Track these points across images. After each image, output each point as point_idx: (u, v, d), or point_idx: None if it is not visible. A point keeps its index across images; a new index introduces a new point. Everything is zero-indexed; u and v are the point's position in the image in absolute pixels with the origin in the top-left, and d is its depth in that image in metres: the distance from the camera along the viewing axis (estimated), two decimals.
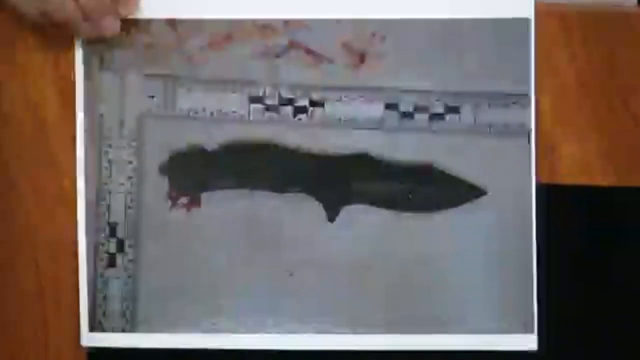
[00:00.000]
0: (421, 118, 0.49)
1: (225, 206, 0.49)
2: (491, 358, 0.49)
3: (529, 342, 0.49)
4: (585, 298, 0.50)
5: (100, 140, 0.49)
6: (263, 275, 0.49)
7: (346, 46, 0.49)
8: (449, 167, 0.49)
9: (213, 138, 0.49)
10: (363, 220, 0.49)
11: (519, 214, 0.49)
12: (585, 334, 0.50)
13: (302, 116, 0.49)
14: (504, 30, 0.48)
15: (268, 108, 0.49)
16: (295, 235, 0.48)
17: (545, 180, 0.49)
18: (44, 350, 0.49)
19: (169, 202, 0.49)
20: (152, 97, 0.49)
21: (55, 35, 0.48)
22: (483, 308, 0.49)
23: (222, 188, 0.49)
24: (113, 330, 0.49)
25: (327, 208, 0.49)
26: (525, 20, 0.48)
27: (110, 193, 0.49)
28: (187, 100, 0.49)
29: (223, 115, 0.49)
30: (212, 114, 0.49)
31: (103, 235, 0.49)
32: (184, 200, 0.49)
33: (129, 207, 0.49)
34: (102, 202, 0.49)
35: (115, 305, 0.49)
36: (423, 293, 0.49)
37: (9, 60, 0.49)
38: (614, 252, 0.50)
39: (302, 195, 0.49)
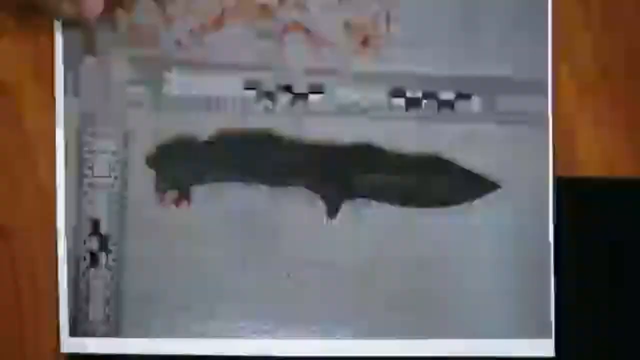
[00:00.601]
0: (429, 105, 0.47)
1: (217, 201, 0.47)
2: None
3: (545, 348, 0.47)
4: (606, 301, 0.48)
5: (81, 130, 0.47)
6: (258, 276, 0.47)
7: (348, 27, 0.47)
8: (459, 158, 0.47)
9: (204, 127, 0.46)
10: (366, 216, 0.47)
11: (535, 210, 0.47)
12: (606, 339, 0.48)
13: (301, 103, 0.47)
14: (520, 9, 0.47)
15: (264, 94, 0.47)
16: (293, 232, 0.46)
17: (564, 172, 0.47)
18: (21, 357, 0.47)
19: (157, 197, 0.47)
20: (138, 82, 0.47)
21: (35, 18, 0.46)
22: (496, 311, 0.47)
23: (215, 181, 0.47)
24: (95, 335, 0.47)
25: (327, 203, 0.47)
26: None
27: (92, 186, 0.47)
28: (177, 86, 0.47)
29: (215, 103, 0.47)
30: (203, 101, 0.47)
31: (85, 232, 0.47)
32: (173, 194, 0.47)
33: (113, 202, 0.47)
34: (84, 197, 0.47)
35: (98, 308, 0.46)
36: (431, 295, 0.47)
37: None
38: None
39: (300, 189, 0.47)
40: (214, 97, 0.47)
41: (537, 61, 0.47)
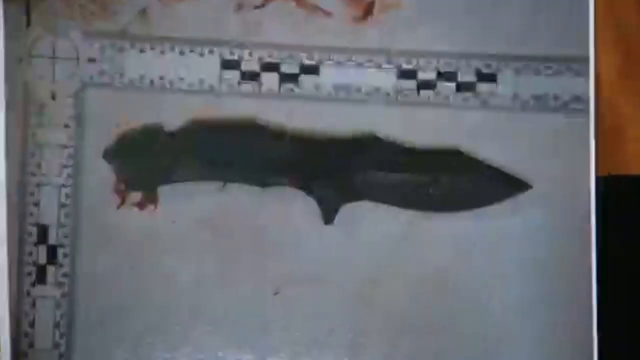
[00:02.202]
0: (446, 89, 0.45)
1: (189, 204, 0.45)
2: None
3: None
4: None
5: (25, 118, 0.45)
6: (240, 294, 0.45)
7: None
8: (482, 152, 0.45)
9: (174, 115, 0.45)
10: (369, 222, 0.45)
11: (574, 214, 0.45)
12: None
13: (290, 86, 0.45)
14: None
15: (245, 76, 0.45)
16: (281, 242, 0.45)
17: (607, 170, 0.45)
18: None
19: (117, 199, 0.45)
20: (94, 60, 0.45)
21: None
22: (527, 339, 0.45)
23: (186, 180, 0.45)
24: None
25: (322, 206, 0.45)
26: None
27: (39, 186, 0.45)
28: (140, 65, 0.45)
29: (187, 85, 0.45)
30: (172, 83, 0.45)
31: (30, 241, 0.45)
32: (136, 196, 0.45)
33: (64, 205, 0.45)
34: (29, 198, 0.45)
35: (45, 334, 0.45)
36: (447, 319, 0.45)
37: None
38: None
39: (289, 189, 0.45)
40: (185, 78, 0.45)
41: (576, 35, 0.45)
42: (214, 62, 0.45)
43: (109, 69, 0.45)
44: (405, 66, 0.45)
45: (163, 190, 0.45)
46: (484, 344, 0.45)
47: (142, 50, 0.45)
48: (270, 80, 0.45)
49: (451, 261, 0.45)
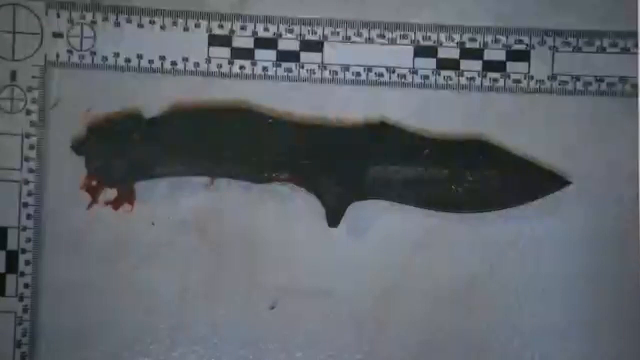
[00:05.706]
0: (470, 68, 0.43)
1: (171, 203, 0.43)
2: None
3: None
4: None
5: None
6: (230, 309, 0.43)
7: None
8: (513, 143, 0.43)
9: (154, 99, 0.43)
10: (381, 225, 0.43)
11: (620, 214, 0.43)
12: None
13: (289, 66, 0.43)
14: None
15: (237, 53, 0.43)
16: (279, 248, 0.43)
17: None
18: None
19: (87, 197, 0.43)
20: (60, 36, 0.43)
21: None
22: (570, 355, 0.42)
23: (168, 175, 0.43)
24: None
25: (326, 205, 0.42)
26: None
27: None
28: (115, 41, 0.43)
29: (169, 65, 0.43)
30: (151, 62, 0.43)
31: None
32: (109, 193, 0.43)
33: (25, 204, 0.43)
34: None
35: (4, 354, 0.42)
36: (474, 340, 0.42)
37: None
38: None
39: (288, 186, 0.43)
40: (167, 57, 0.43)
41: (623, 7, 0.43)
42: (200, 37, 0.43)
43: (78, 46, 0.43)
44: (423, 42, 0.43)
45: (141, 187, 0.43)
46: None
47: (116, 24, 0.42)
48: (266, 58, 0.43)
49: (478, 271, 0.43)
